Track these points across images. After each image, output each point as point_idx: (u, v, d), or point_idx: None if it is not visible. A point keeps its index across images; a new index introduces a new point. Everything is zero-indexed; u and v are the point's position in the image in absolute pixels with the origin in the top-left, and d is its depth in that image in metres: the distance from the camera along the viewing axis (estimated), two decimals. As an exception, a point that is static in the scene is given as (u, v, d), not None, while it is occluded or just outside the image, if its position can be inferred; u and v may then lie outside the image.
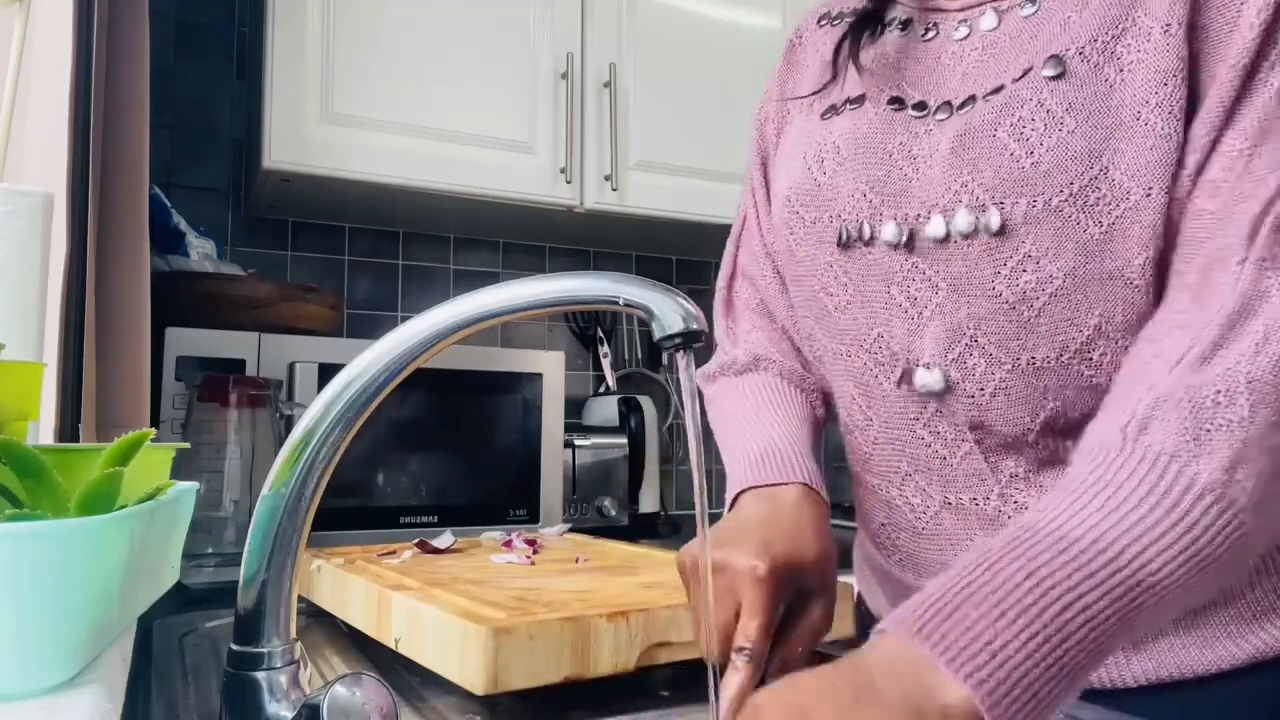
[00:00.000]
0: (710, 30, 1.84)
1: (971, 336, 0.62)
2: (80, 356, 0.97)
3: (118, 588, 0.52)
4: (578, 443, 1.69)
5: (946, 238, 0.62)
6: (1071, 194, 0.57)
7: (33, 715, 0.45)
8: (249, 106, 1.72)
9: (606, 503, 1.70)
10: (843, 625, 0.72)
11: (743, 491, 0.67)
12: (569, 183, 1.66)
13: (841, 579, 0.75)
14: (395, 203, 1.67)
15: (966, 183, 0.61)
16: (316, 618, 0.87)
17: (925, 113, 0.65)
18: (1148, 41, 0.57)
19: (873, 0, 0.74)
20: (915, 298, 0.64)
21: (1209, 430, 0.46)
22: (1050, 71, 0.59)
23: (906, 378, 0.66)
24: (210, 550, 1.14)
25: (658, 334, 0.46)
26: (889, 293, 0.66)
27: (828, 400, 0.78)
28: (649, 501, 1.81)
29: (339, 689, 0.44)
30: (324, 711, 0.44)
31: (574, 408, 1.91)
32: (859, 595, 0.86)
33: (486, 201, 1.64)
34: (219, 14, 1.78)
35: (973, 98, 0.63)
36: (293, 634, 0.49)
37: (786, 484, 0.65)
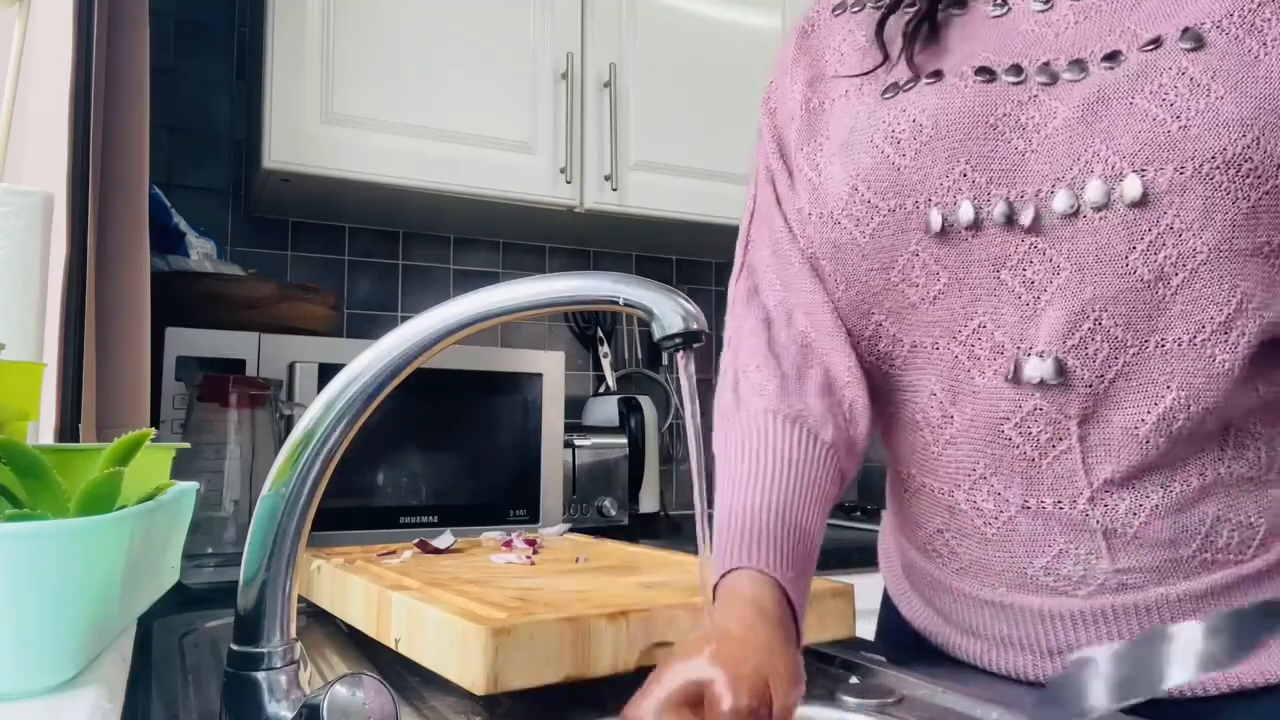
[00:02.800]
0: (710, 30, 1.84)
1: (1095, 319, 0.58)
2: (80, 356, 0.97)
3: (118, 588, 0.52)
4: (578, 443, 1.69)
5: (1075, 212, 0.58)
6: (1224, 160, 0.54)
7: (33, 715, 0.45)
8: (249, 106, 1.72)
9: (606, 503, 1.70)
10: (841, 627, 0.72)
11: (726, 573, 0.59)
12: (569, 183, 1.66)
13: (843, 579, 0.76)
14: (395, 203, 1.67)
15: (1099, 151, 0.57)
16: (316, 618, 0.87)
17: (1022, 77, 0.61)
18: None
19: None
20: (1032, 281, 0.60)
21: None
22: (1187, 44, 0.56)
23: (1016, 369, 0.61)
24: (210, 550, 1.14)
25: (658, 334, 0.46)
26: (998, 277, 0.61)
27: (848, 434, 0.69)
28: (649, 502, 1.81)
29: (339, 689, 0.44)
30: (324, 711, 0.44)
31: (574, 408, 1.91)
32: (885, 596, 0.84)
33: (486, 201, 1.64)
34: (219, 14, 1.78)
35: (1081, 62, 0.59)
36: (293, 634, 0.49)
37: (760, 573, 0.58)
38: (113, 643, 0.57)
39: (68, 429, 0.98)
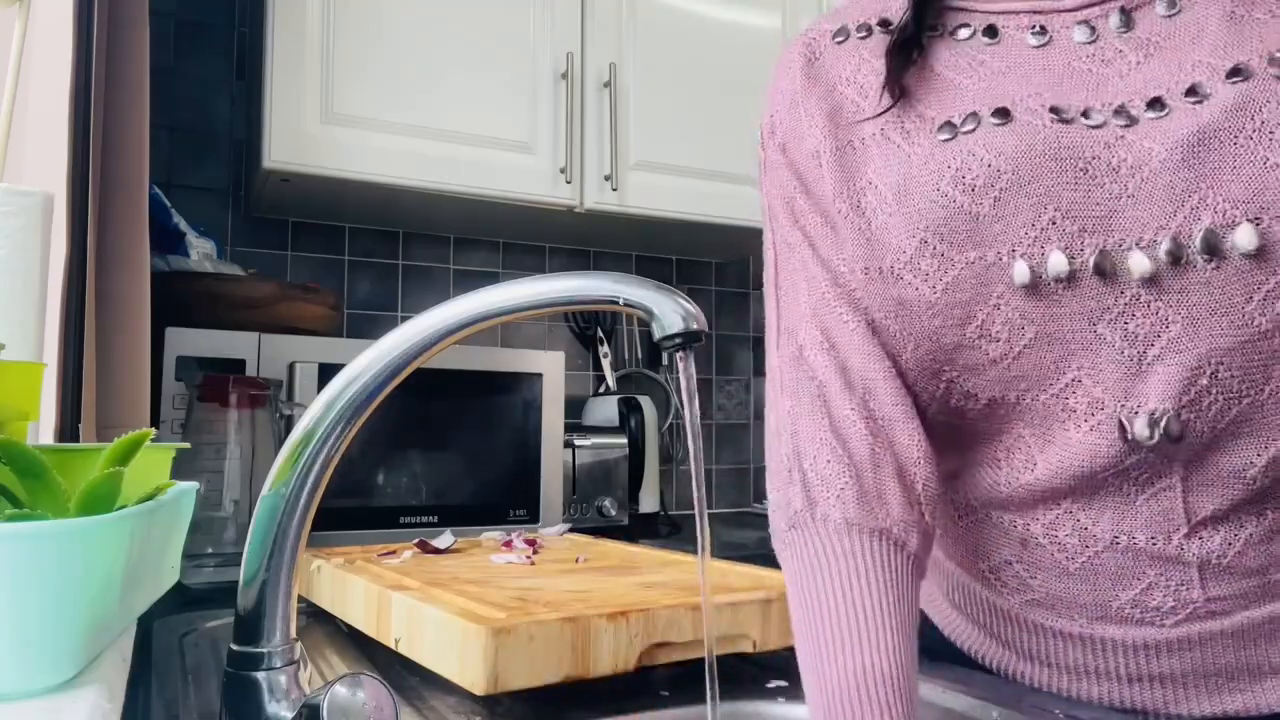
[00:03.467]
0: (710, 30, 1.84)
1: (1212, 374, 0.55)
2: (80, 356, 0.97)
3: (118, 588, 0.52)
4: (578, 443, 1.69)
5: (1182, 262, 0.54)
6: None
7: (33, 715, 0.45)
8: (249, 106, 1.72)
9: (606, 503, 1.70)
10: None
11: None
12: (569, 183, 1.66)
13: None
14: (395, 203, 1.67)
15: (1205, 197, 0.53)
16: (316, 618, 0.87)
17: (1099, 122, 0.57)
18: None
19: (915, 10, 0.66)
20: (1135, 335, 0.56)
21: None
22: (1278, 71, 0.53)
23: (1122, 429, 0.57)
24: (210, 550, 1.14)
25: (658, 334, 0.46)
26: (1095, 331, 0.57)
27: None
28: (649, 501, 1.81)
29: (339, 689, 0.44)
30: (324, 711, 0.44)
31: (574, 408, 1.91)
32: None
33: (486, 201, 1.64)
34: (219, 14, 1.78)
35: (1159, 101, 0.56)
36: (293, 634, 0.49)
37: None
38: (113, 643, 0.57)
39: (68, 429, 0.98)
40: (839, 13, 0.73)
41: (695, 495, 0.49)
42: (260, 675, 0.47)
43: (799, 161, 0.69)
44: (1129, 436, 0.56)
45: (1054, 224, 0.57)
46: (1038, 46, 0.62)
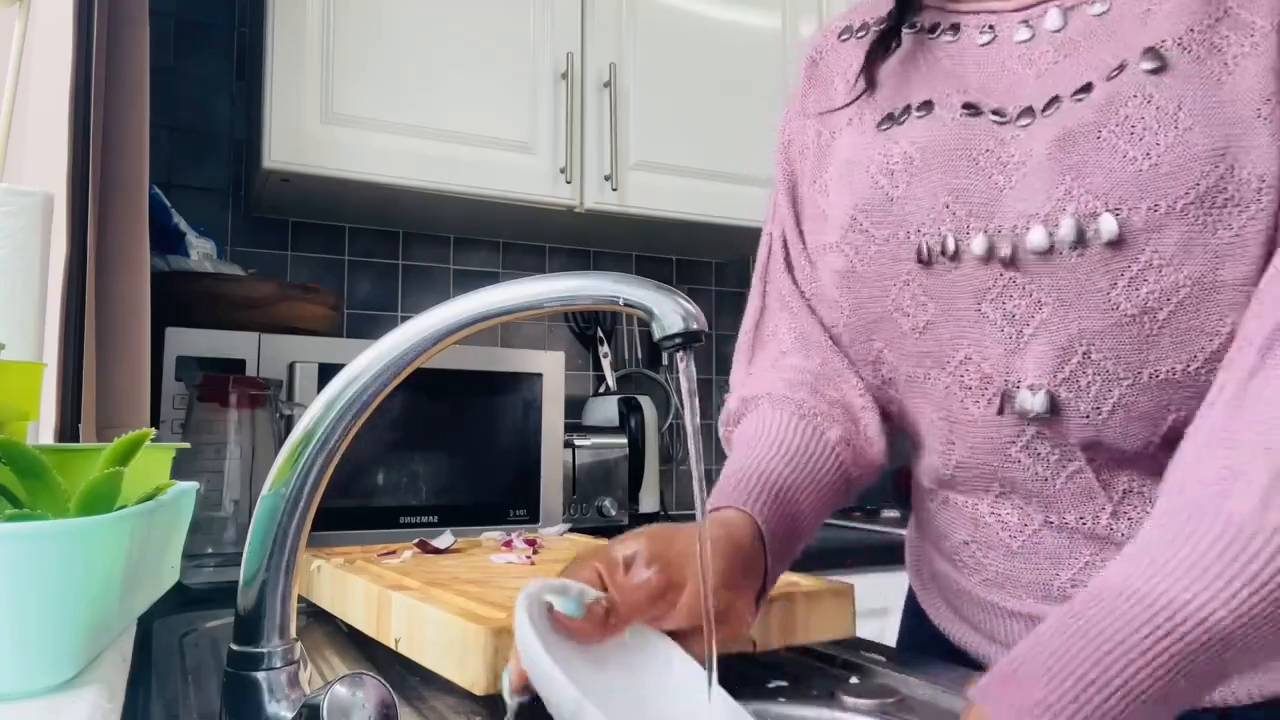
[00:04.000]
0: (710, 30, 1.84)
1: (1084, 353, 0.58)
2: (80, 356, 0.97)
3: (118, 588, 0.52)
4: (578, 443, 1.69)
5: (1050, 249, 0.58)
6: (1198, 195, 0.54)
7: (33, 715, 0.45)
8: (249, 106, 1.72)
9: (606, 503, 1.70)
10: (841, 627, 0.72)
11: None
12: (569, 183, 1.66)
13: (843, 579, 0.75)
14: (395, 203, 1.67)
15: (1071, 189, 0.57)
16: (316, 618, 0.87)
17: (1006, 119, 0.61)
18: (1252, 35, 0.54)
19: (897, 7, 0.71)
20: (1013, 314, 0.60)
21: None
22: (1149, 65, 0.56)
23: (1006, 401, 0.61)
24: (210, 550, 1.14)
25: (658, 334, 0.46)
26: (980, 309, 0.61)
27: (863, 420, 0.71)
28: (649, 501, 1.81)
29: (339, 689, 0.44)
30: (324, 711, 0.44)
31: (574, 408, 1.91)
32: (909, 603, 0.83)
33: (486, 201, 1.64)
34: (219, 14, 1.78)
35: (1055, 99, 0.59)
36: (293, 634, 0.49)
37: (739, 510, 0.61)
38: (113, 643, 0.57)
39: (68, 429, 0.98)
40: (850, 13, 0.79)
41: (696, 495, 0.49)
42: (260, 675, 0.47)
43: (794, 159, 0.77)
44: (1013, 409, 0.61)
45: (948, 208, 0.62)
46: (984, 45, 0.66)
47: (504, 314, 0.48)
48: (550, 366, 1.56)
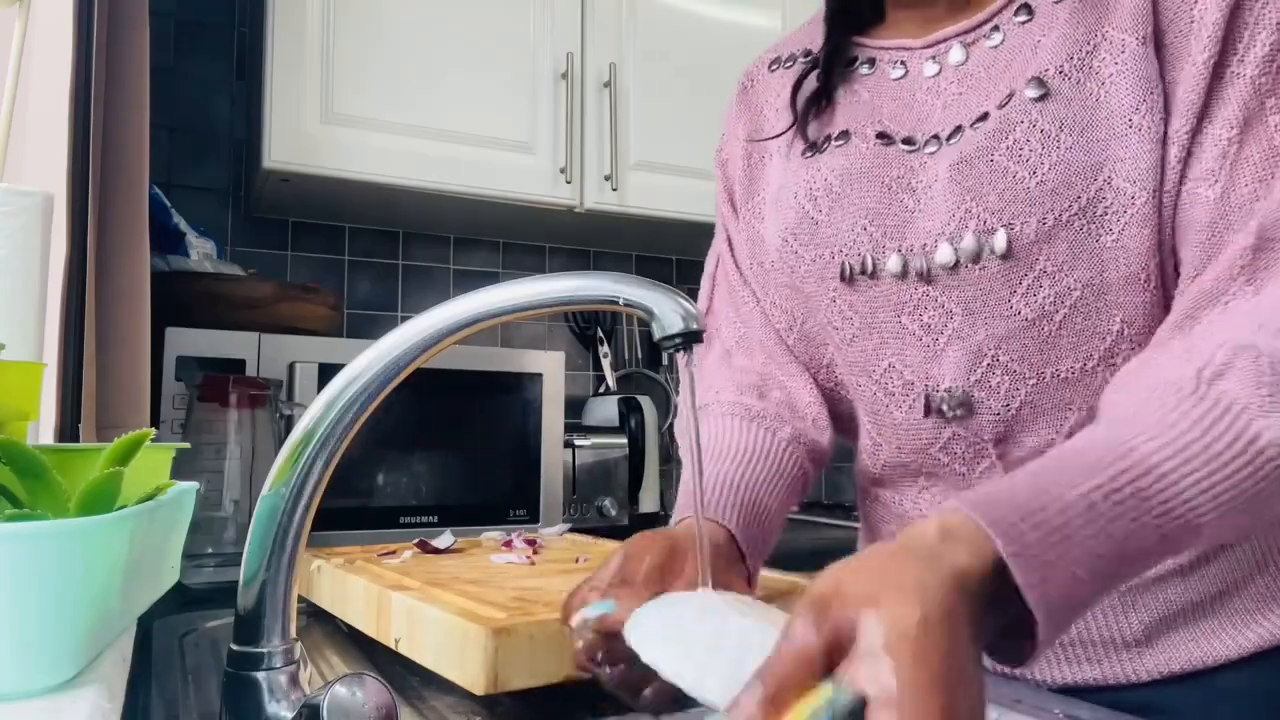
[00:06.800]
0: (710, 30, 1.84)
1: (993, 356, 0.64)
2: (80, 356, 0.97)
3: (118, 588, 0.52)
4: (578, 443, 1.68)
5: (956, 264, 0.63)
6: (1080, 207, 0.59)
7: (33, 715, 0.45)
8: (249, 106, 1.72)
9: (606, 503, 1.70)
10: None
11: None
12: (569, 183, 1.66)
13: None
14: (395, 203, 1.67)
15: (970, 209, 0.62)
16: (316, 618, 0.87)
17: (915, 147, 0.67)
18: (1123, 53, 0.59)
19: (827, 43, 0.75)
20: (929, 324, 0.66)
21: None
22: (1033, 93, 0.61)
23: (927, 405, 0.67)
24: (210, 550, 1.14)
25: (658, 334, 0.46)
26: (900, 322, 0.67)
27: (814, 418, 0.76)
28: (649, 501, 1.81)
29: (339, 689, 0.44)
30: (324, 711, 0.44)
31: (574, 408, 1.91)
32: None
33: (486, 201, 1.64)
34: (219, 14, 1.78)
35: (959, 128, 0.65)
36: (293, 634, 0.49)
37: (709, 521, 0.66)
38: (113, 643, 0.57)
39: (68, 429, 0.98)
40: (782, 44, 0.85)
41: (695, 495, 0.50)
42: (260, 675, 0.47)
43: (730, 177, 0.82)
44: (931, 409, 0.66)
45: (864, 230, 0.68)
46: (897, 79, 0.71)
47: (504, 314, 0.48)
48: (550, 366, 1.56)
